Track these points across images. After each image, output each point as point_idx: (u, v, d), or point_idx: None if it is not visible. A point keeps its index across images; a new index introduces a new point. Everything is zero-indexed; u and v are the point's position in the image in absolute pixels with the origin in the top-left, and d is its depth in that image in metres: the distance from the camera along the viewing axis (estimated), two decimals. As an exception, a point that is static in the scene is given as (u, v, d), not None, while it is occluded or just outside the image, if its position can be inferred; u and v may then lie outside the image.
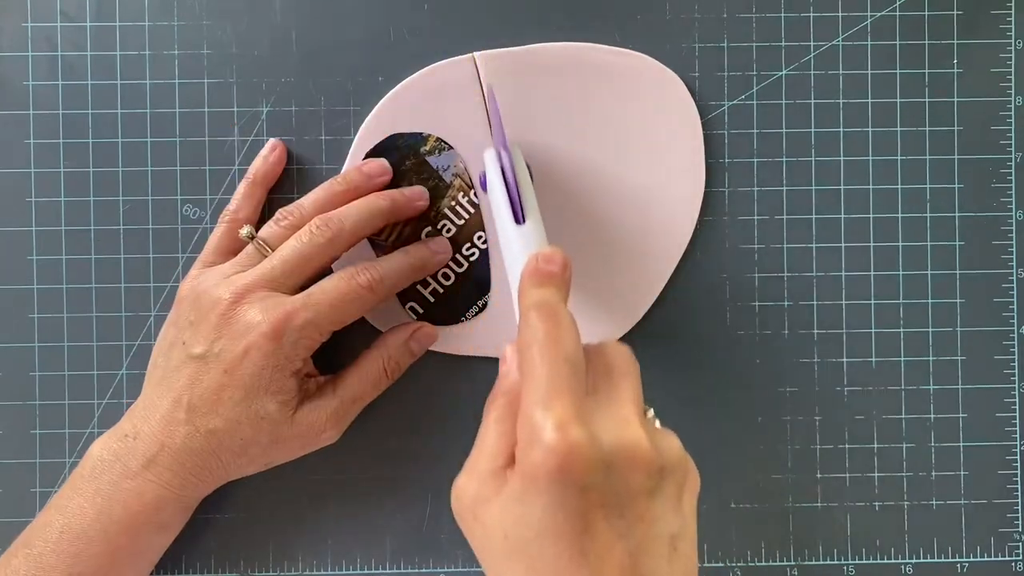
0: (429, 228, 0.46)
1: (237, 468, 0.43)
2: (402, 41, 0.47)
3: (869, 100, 0.48)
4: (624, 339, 0.47)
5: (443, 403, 0.48)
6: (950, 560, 0.48)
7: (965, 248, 0.48)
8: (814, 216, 0.48)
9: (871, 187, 0.48)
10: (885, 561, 0.48)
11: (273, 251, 0.42)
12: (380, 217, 0.44)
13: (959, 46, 0.47)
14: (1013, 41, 0.48)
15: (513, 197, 0.39)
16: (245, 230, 0.43)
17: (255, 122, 0.47)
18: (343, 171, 0.46)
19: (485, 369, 0.47)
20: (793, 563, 0.48)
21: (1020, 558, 0.48)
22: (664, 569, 0.32)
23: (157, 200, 0.47)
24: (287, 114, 0.47)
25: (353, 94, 0.47)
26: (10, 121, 0.47)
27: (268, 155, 0.46)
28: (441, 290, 0.47)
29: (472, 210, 0.46)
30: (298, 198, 0.44)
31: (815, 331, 0.48)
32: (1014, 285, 0.48)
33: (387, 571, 0.47)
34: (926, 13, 0.48)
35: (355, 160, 0.46)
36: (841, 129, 0.48)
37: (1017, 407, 0.48)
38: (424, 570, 0.47)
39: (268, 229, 0.43)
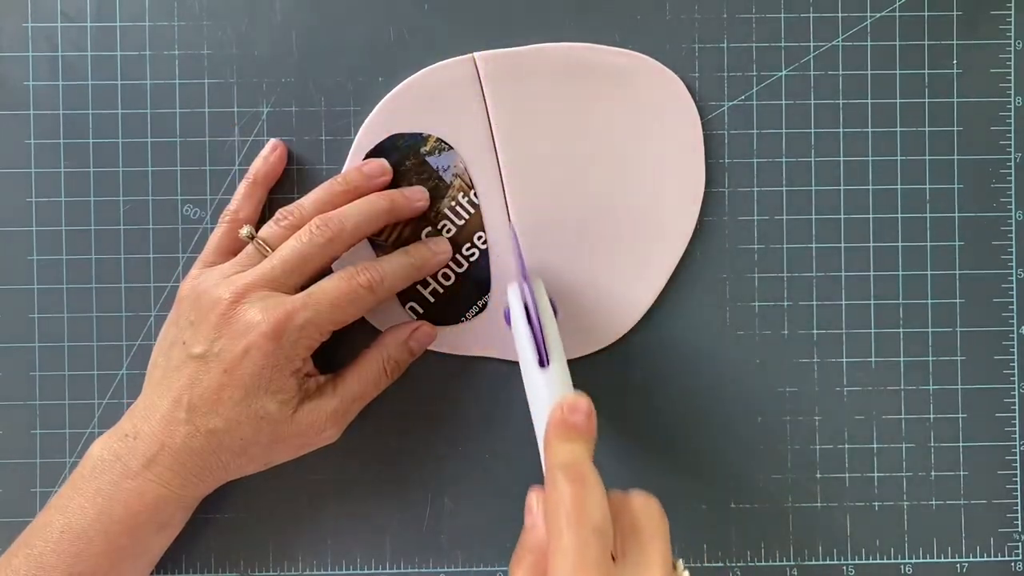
0: (429, 228, 0.46)
1: (237, 468, 0.42)
2: (402, 41, 0.47)
3: (869, 100, 0.48)
4: (624, 339, 0.47)
5: (443, 403, 0.48)
6: (950, 560, 0.48)
7: (965, 248, 0.48)
8: (814, 216, 0.48)
9: (871, 187, 0.48)
10: (885, 561, 0.48)
11: (273, 251, 0.42)
12: (380, 217, 0.44)
13: (959, 46, 0.48)
14: (1013, 41, 0.48)
15: (538, 339, 0.39)
16: (245, 230, 0.43)
17: (255, 122, 0.47)
18: (343, 171, 0.46)
19: (485, 369, 0.48)
20: (793, 563, 0.48)
21: (1020, 558, 0.48)
22: None
23: (157, 200, 0.47)
24: (287, 114, 0.47)
25: (353, 94, 0.47)
26: (10, 121, 0.47)
27: (269, 155, 0.46)
28: (441, 290, 0.47)
29: (472, 210, 0.46)
30: (298, 198, 0.44)
31: (815, 331, 0.48)
32: (1014, 285, 0.48)
33: (387, 571, 0.48)
34: (926, 13, 0.48)
35: (355, 160, 0.46)
36: (841, 129, 0.48)
37: (1017, 407, 0.48)
38: (424, 570, 0.47)
39: (268, 229, 0.43)
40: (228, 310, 0.41)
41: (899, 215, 0.48)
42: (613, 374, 0.47)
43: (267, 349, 0.40)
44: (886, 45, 0.48)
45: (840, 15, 0.47)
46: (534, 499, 0.36)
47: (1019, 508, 0.48)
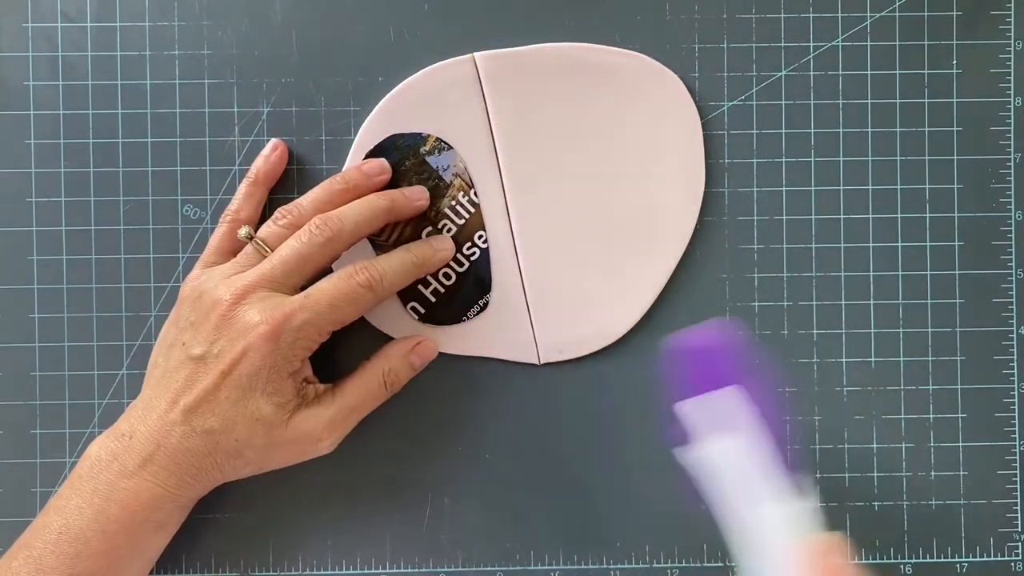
0: (430, 228, 0.46)
1: (232, 470, 0.42)
2: (402, 41, 0.47)
3: (869, 101, 0.48)
4: (624, 339, 0.47)
5: (443, 403, 0.48)
6: (950, 560, 0.48)
7: (964, 248, 0.48)
8: (814, 216, 0.48)
9: (871, 188, 0.48)
10: (885, 561, 0.48)
11: (272, 251, 0.42)
12: (380, 216, 0.44)
13: (959, 47, 0.48)
14: (1012, 42, 0.48)
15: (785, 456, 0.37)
16: (244, 230, 0.43)
17: (255, 122, 0.47)
18: (343, 171, 0.46)
19: (485, 369, 0.48)
20: (793, 563, 0.48)
21: (1020, 558, 0.48)
22: None
23: (157, 200, 0.47)
24: (287, 114, 0.47)
25: (353, 94, 0.47)
26: (10, 121, 0.47)
27: (269, 155, 0.46)
28: (442, 290, 0.47)
29: (472, 209, 0.46)
30: (298, 198, 0.44)
31: (815, 331, 0.48)
32: (1013, 285, 0.48)
33: (387, 571, 0.47)
34: (926, 14, 0.48)
35: (355, 160, 0.46)
36: (841, 130, 0.48)
37: (1016, 407, 0.48)
38: (424, 570, 0.47)
39: (267, 229, 0.43)
40: (228, 311, 0.41)
41: (899, 215, 0.48)
42: (613, 374, 0.47)
43: (265, 350, 0.40)
44: (886, 45, 0.48)
45: (840, 15, 0.47)
46: None
47: (1019, 508, 0.48)
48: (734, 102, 0.47)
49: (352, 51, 0.47)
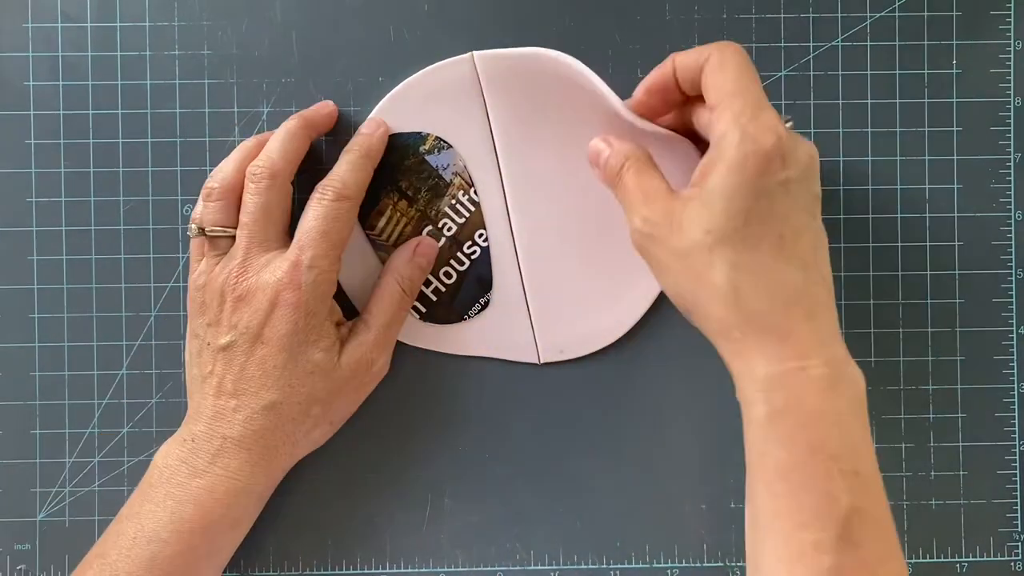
0: (430, 227, 0.46)
1: (304, 436, 0.43)
2: (402, 41, 0.47)
3: (868, 100, 0.48)
4: (624, 339, 0.47)
5: (443, 403, 0.48)
6: (949, 560, 0.48)
7: (964, 248, 0.48)
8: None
9: (871, 187, 0.48)
10: (885, 561, 0.48)
11: (222, 228, 0.43)
12: (298, 135, 0.44)
13: (959, 47, 0.48)
14: (1012, 42, 0.48)
15: None
16: (193, 228, 0.43)
17: (255, 123, 0.47)
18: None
19: (485, 369, 0.48)
20: (793, 563, 0.48)
21: (1020, 558, 0.48)
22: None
23: (157, 200, 0.47)
24: (287, 115, 0.47)
25: (353, 94, 0.47)
26: (10, 121, 0.47)
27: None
28: (443, 288, 0.47)
29: (472, 208, 0.46)
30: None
31: (815, 331, 0.48)
32: (1013, 285, 0.48)
33: (387, 571, 0.47)
34: (925, 14, 0.48)
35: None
36: (841, 129, 0.48)
37: (1016, 407, 0.48)
38: (424, 570, 0.47)
39: (207, 214, 0.43)
40: (236, 290, 0.42)
41: (899, 215, 0.48)
42: (613, 374, 0.47)
43: (293, 300, 0.41)
44: (886, 45, 0.48)
45: (840, 15, 0.47)
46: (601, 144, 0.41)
47: (1019, 508, 0.48)
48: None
49: (352, 51, 0.47)
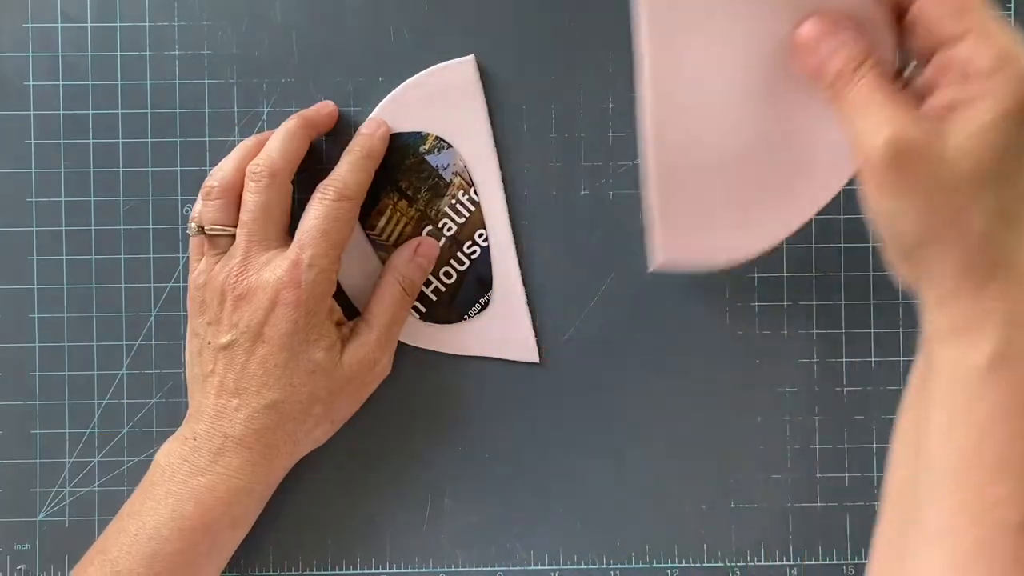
0: (430, 227, 0.46)
1: (305, 434, 0.43)
2: (402, 41, 0.47)
3: (868, 100, 0.48)
4: (624, 339, 0.47)
5: (443, 403, 0.48)
6: (950, 560, 0.48)
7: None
8: (813, 217, 0.47)
9: (870, 187, 0.48)
10: (885, 561, 0.48)
11: (222, 227, 0.43)
12: (298, 134, 0.44)
13: (958, 46, 0.47)
14: (1012, 42, 0.48)
15: None
16: (192, 227, 0.43)
17: (255, 123, 0.47)
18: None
19: (485, 369, 0.48)
20: (793, 563, 0.48)
21: (1020, 558, 0.48)
22: None
23: (157, 200, 0.47)
24: (287, 115, 0.47)
25: (353, 94, 0.47)
26: (10, 121, 0.47)
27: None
28: (443, 288, 0.47)
29: (472, 208, 0.46)
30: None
31: (815, 331, 0.48)
32: (1013, 285, 0.48)
33: (387, 571, 0.47)
34: (925, 14, 0.48)
35: (356, 160, 0.46)
36: (840, 129, 0.48)
37: (1016, 407, 0.48)
38: (424, 570, 0.47)
39: (206, 213, 0.43)
40: (236, 289, 0.42)
41: (899, 215, 0.48)
42: (613, 374, 0.47)
43: (293, 299, 0.41)
44: (885, 45, 0.47)
45: (839, 15, 0.47)
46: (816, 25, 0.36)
47: (1019, 508, 0.48)
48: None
49: (352, 51, 0.47)
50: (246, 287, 0.41)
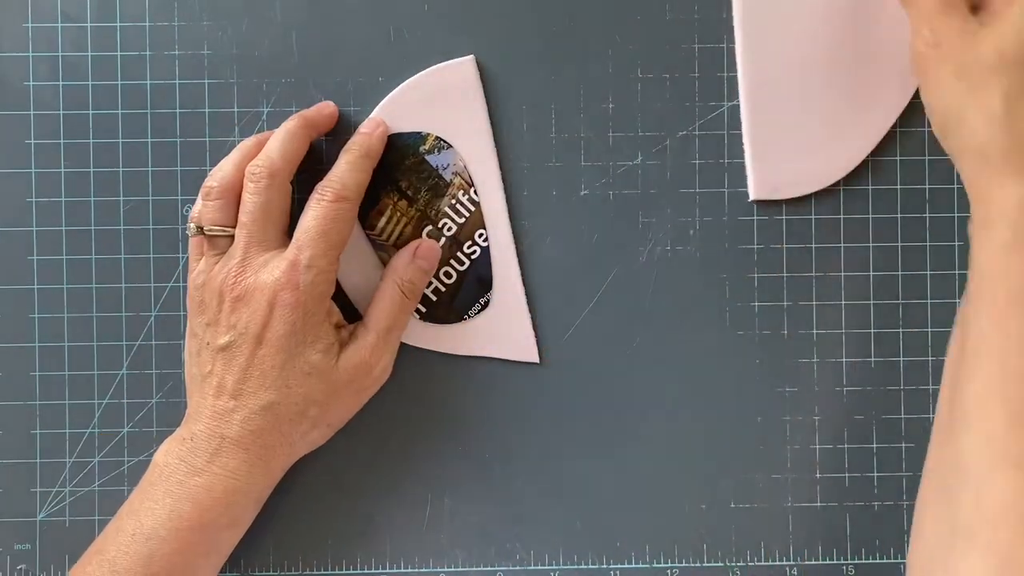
0: (430, 227, 0.47)
1: (301, 436, 0.43)
2: (402, 41, 0.47)
3: (868, 100, 0.48)
4: (624, 339, 0.47)
5: (443, 403, 0.48)
6: (950, 560, 0.48)
7: (964, 248, 0.48)
8: (813, 217, 0.48)
9: (870, 187, 0.48)
10: (884, 561, 0.48)
11: (221, 227, 0.43)
12: (298, 135, 0.44)
13: (958, 46, 0.47)
14: (1012, 42, 0.48)
15: None
16: (192, 227, 0.43)
17: (255, 123, 0.47)
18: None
19: (485, 369, 0.48)
20: (793, 563, 0.48)
21: (1020, 558, 0.48)
22: None
23: (157, 200, 0.47)
24: (287, 115, 0.47)
25: (353, 94, 0.47)
26: (10, 121, 0.47)
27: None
28: (443, 288, 0.47)
29: (472, 208, 0.46)
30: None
31: (815, 331, 0.48)
32: (1013, 285, 0.48)
33: (387, 571, 0.47)
34: (925, 14, 0.48)
35: (356, 160, 0.46)
36: (840, 129, 0.48)
37: (1016, 407, 0.48)
38: (424, 570, 0.47)
39: (206, 213, 0.43)
40: (234, 290, 0.42)
41: (899, 215, 0.48)
42: (613, 374, 0.47)
43: (291, 300, 0.41)
44: (885, 45, 0.48)
45: (840, 15, 0.47)
46: None
47: (1019, 508, 0.48)
48: (734, 102, 0.47)
49: (352, 51, 0.47)
50: (244, 288, 0.41)
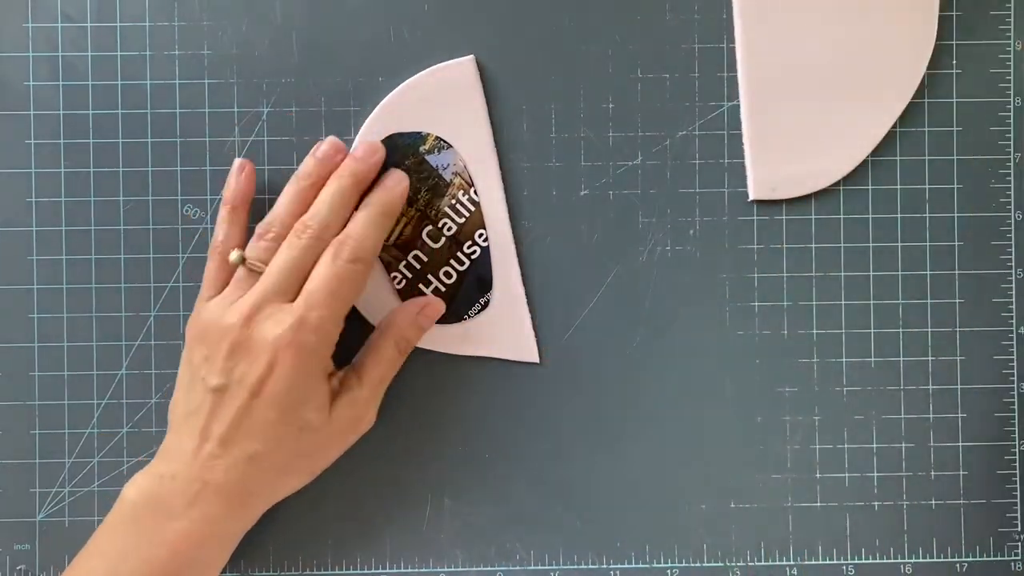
0: (431, 227, 0.46)
1: (283, 484, 0.43)
2: (402, 41, 0.47)
3: (868, 100, 0.48)
4: (624, 339, 0.47)
5: (443, 403, 0.48)
6: (949, 560, 0.48)
7: (964, 248, 0.48)
8: (813, 216, 0.48)
9: (870, 187, 0.48)
10: (884, 561, 0.48)
11: (265, 266, 0.42)
12: (350, 193, 0.44)
13: (959, 46, 0.48)
14: (1012, 42, 0.48)
15: None
16: (235, 254, 0.43)
17: (255, 122, 0.47)
18: (301, 166, 0.45)
19: (485, 369, 0.48)
20: (793, 563, 0.48)
21: (1019, 558, 0.48)
22: None
23: (157, 200, 0.47)
24: (287, 114, 0.47)
25: (353, 94, 0.47)
26: (11, 121, 0.47)
27: (238, 176, 0.45)
28: (443, 288, 0.47)
29: (472, 208, 0.46)
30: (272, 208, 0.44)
31: (814, 331, 0.48)
32: (1013, 285, 0.48)
33: (387, 571, 0.47)
34: (925, 14, 0.48)
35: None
36: (840, 129, 0.48)
37: (1016, 407, 0.48)
38: (424, 570, 0.47)
39: (255, 248, 0.43)
40: (240, 335, 0.41)
41: (899, 215, 0.48)
42: (613, 374, 0.47)
43: (293, 361, 0.40)
44: (885, 45, 0.48)
45: (840, 15, 0.47)
46: None
47: (1018, 508, 0.48)
48: (734, 102, 0.47)
49: (352, 51, 0.47)
50: (247, 337, 0.41)
